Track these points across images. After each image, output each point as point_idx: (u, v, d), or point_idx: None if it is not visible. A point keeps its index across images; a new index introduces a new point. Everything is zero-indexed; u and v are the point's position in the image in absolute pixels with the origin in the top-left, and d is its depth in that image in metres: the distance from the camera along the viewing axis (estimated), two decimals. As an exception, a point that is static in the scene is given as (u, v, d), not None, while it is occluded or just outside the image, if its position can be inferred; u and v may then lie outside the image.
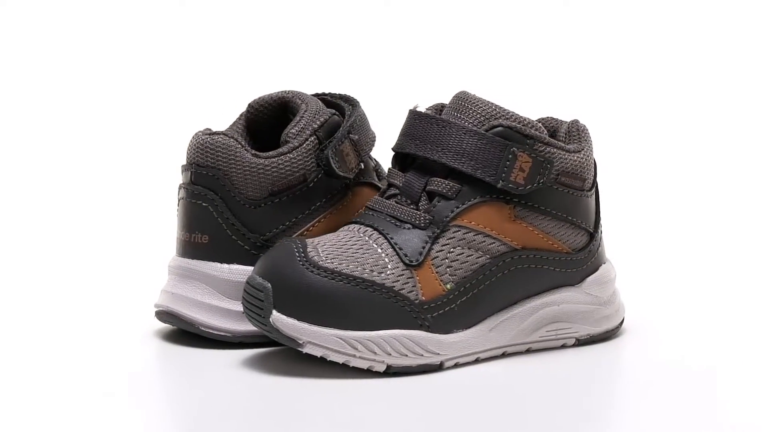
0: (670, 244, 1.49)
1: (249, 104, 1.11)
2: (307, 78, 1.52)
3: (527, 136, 0.99)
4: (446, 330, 0.97)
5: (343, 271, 0.96)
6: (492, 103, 1.01)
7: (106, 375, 0.99)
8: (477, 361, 0.99)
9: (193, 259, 1.06)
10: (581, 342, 1.05)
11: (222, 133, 1.06)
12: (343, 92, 1.13)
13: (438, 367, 0.97)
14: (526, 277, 1.01)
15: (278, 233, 1.05)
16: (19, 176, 1.59)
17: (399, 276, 0.97)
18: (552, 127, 1.06)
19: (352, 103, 1.11)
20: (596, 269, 1.05)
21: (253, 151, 1.05)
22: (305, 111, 1.08)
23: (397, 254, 0.97)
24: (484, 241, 0.99)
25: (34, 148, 1.61)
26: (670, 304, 1.22)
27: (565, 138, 1.04)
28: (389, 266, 0.97)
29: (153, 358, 1.04)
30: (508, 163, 0.98)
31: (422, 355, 0.96)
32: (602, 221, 1.08)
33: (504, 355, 1.01)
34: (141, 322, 1.12)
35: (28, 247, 1.44)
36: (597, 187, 1.07)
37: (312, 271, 0.95)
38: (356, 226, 1.01)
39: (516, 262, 1.00)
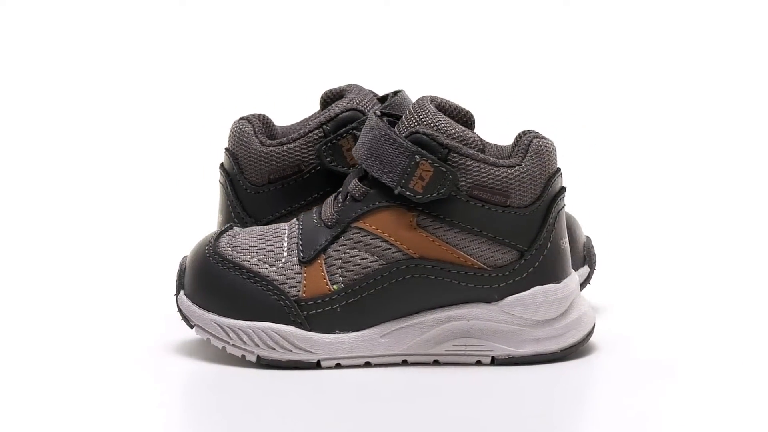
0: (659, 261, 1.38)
1: (321, 95, 1.16)
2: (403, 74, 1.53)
3: (442, 145, 0.97)
4: (327, 330, 0.98)
5: (234, 259, 1.00)
6: (431, 111, 0.98)
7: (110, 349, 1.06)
8: (368, 365, 0.99)
9: None
10: (499, 362, 1.00)
11: (245, 118, 1.12)
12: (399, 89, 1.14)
13: (315, 365, 0.98)
14: (423, 288, 0.98)
15: (273, 220, 1.10)
16: (77, 159, 1.67)
17: (287, 271, 0.99)
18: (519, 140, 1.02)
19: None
20: (526, 288, 1.00)
21: (262, 138, 1.11)
22: (336, 104, 1.11)
23: (296, 250, 1.00)
24: (380, 246, 0.98)
25: (100, 131, 1.70)
26: (649, 324, 1.14)
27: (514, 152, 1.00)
28: (282, 260, 0.99)
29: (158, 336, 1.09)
30: (409, 170, 0.97)
31: (291, 351, 0.98)
32: (564, 239, 1.02)
33: (404, 363, 1.00)
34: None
35: (79, 228, 1.50)
36: (551, 204, 1.00)
37: (209, 258, 1.00)
38: (294, 219, 1.03)
39: (411, 271, 0.98)
